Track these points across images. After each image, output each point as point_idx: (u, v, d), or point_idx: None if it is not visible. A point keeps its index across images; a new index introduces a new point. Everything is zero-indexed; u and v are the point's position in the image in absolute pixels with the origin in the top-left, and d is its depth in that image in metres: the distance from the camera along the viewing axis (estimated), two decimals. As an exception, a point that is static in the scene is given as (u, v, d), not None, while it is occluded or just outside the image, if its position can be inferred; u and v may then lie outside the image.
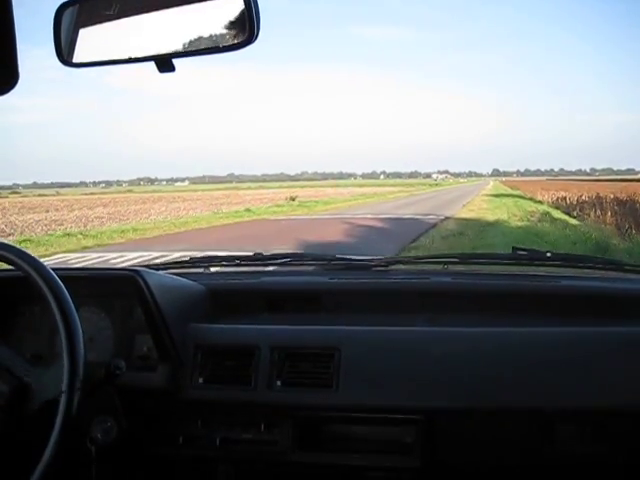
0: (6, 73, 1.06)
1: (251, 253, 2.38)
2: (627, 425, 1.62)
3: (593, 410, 1.61)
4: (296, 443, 1.76)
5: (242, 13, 1.22)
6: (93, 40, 1.35)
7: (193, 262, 2.44)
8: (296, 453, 1.76)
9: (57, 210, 36.16)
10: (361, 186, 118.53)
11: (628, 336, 1.71)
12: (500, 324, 1.81)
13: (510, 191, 64.03)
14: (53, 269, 1.43)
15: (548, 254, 2.17)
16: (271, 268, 2.37)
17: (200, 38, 1.26)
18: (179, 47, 1.26)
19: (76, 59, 1.35)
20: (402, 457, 1.73)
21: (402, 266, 2.28)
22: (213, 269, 2.36)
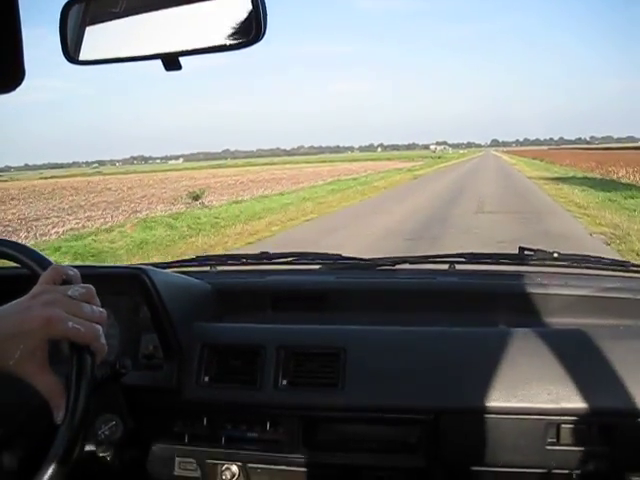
0: (13, 70, 1.05)
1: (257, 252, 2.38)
2: (634, 427, 1.59)
3: (599, 411, 1.59)
4: (301, 442, 1.76)
5: (249, 11, 1.21)
6: (100, 38, 1.34)
7: (199, 260, 2.45)
8: (301, 452, 1.76)
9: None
10: (353, 161, 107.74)
11: (633, 336, 1.71)
12: (507, 324, 1.80)
13: (564, 170, 44.65)
14: None
15: (555, 254, 2.17)
16: (277, 267, 2.36)
17: (207, 36, 1.25)
18: (186, 45, 1.25)
19: (82, 57, 1.34)
20: (407, 457, 1.72)
21: (408, 265, 2.27)
22: (219, 268, 2.37)
